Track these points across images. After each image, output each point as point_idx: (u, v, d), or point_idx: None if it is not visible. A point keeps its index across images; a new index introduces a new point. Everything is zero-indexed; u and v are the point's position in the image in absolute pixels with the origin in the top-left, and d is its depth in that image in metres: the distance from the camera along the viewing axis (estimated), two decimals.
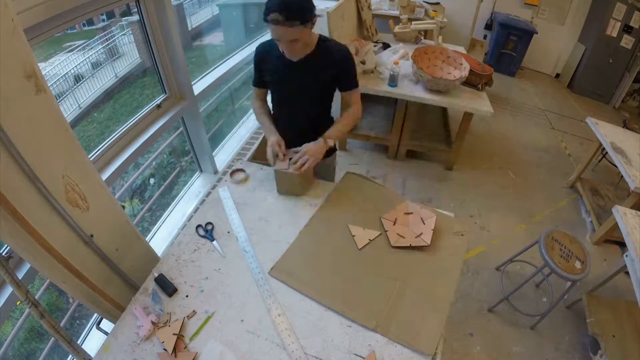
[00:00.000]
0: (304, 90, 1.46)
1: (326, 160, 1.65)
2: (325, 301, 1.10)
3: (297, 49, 1.31)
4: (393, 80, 2.73)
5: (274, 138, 1.45)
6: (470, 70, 2.74)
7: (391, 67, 2.72)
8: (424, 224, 1.30)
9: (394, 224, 1.32)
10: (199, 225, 1.33)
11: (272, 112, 1.62)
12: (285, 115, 1.58)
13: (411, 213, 1.35)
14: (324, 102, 1.55)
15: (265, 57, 1.46)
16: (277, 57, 1.38)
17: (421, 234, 1.27)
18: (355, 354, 0.99)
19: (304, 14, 1.21)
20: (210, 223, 1.34)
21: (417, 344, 1.00)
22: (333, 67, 1.41)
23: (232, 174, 1.57)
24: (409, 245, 1.25)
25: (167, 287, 1.12)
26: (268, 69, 1.46)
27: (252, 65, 1.52)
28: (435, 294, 1.13)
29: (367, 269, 1.20)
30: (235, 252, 1.25)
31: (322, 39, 1.41)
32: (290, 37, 1.24)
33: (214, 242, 1.28)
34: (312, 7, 1.25)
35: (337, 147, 1.73)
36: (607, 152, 2.65)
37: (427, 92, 2.71)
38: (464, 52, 3.45)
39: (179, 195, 2.30)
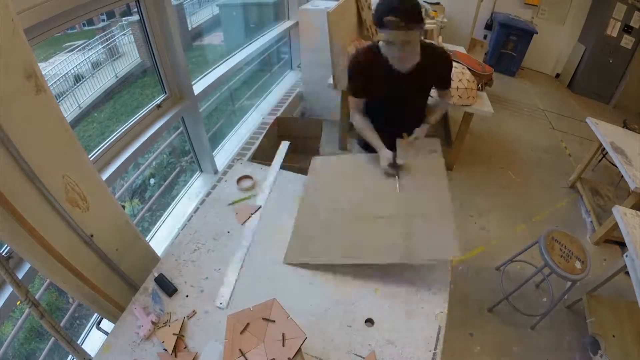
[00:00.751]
0: (410, 100, 1.51)
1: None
2: (350, 259, 1.16)
3: (409, 52, 1.31)
4: None
5: (387, 152, 1.48)
6: (471, 70, 2.74)
7: None
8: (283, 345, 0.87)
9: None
10: None
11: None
12: (384, 122, 1.57)
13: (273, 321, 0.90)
14: (424, 107, 1.62)
15: (369, 66, 1.42)
16: (385, 68, 1.37)
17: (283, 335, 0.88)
18: (355, 354, 0.99)
19: (421, 17, 1.24)
20: None
21: (441, 254, 1.10)
22: (436, 72, 1.48)
23: (238, 180, 1.54)
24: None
25: (167, 287, 1.12)
26: (373, 77, 1.43)
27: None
28: (435, 209, 1.23)
29: (370, 216, 1.27)
30: (234, 252, 1.25)
31: (424, 46, 1.39)
32: (407, 38, 1.24)
33: None
34: (419, 6, 1.27)
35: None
36: (607, 152, 2.65)
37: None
38: (464, 52, 3.45)
39: (179, 195, 2.30)
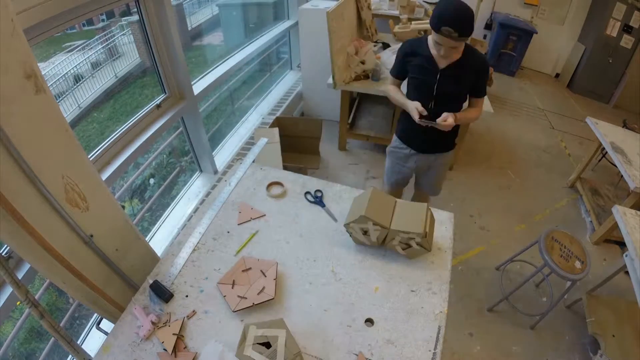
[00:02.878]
0: (442, 93, 1.60)
1: (449, 154, 1.90)
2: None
3: (453, 55, 1.50)
4: (375, 75, 2.74)
5: (414, 103, 1.63)
6: None
7: (374, 62, 2.73)
8: (265, 276, 1.14)
9: (232, 287, 1.12)
10: (307, 192, 1.46)
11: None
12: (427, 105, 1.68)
13: (249, 269, 1.17)
14: (455, 105, 1.67)
15: (414, 53, 1.62)
16: (426, 57, 1.56)
17: (263, 288, 1.11)
18: (356, 354, 0.99)
19: (472, 29, 1.39)
20: (319, 190, 1.47)
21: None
22: (473, 74, 1.56)
23: (268, 187, 1.50)
24: (252, 304, 1.07)
25: (162, 294, 1.10)
26: (414, 65, 1.62)
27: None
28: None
29: None
30: (234, 252, 1.25)
31: (467, 47, 1.54)
32: (454, 45, 1.41)
33: (325, 208, 1.40)
34: (473, 20, 1.40)
35: (454, 146, 1.91)
36: (606, 152, 2.65)
37: None
38: None
39: (179, 195, 2.30)
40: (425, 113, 1.60)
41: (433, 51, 1.54)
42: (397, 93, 1.78)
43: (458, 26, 1.33)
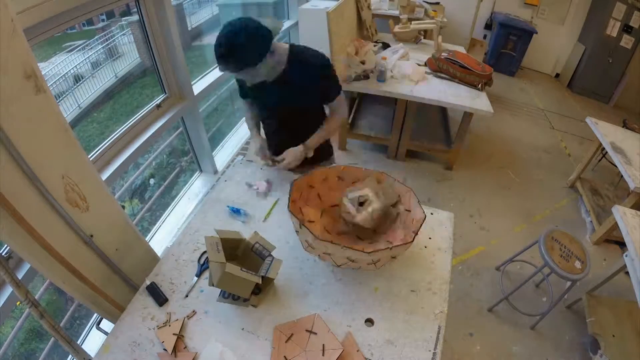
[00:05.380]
0: (281, 107, 1.41)
1: (325, 164, 1.62)
2: None
3: (260, 76, 1.24)
4: (381, 76, 2.74)
5: (259, 140, 1.48)
6: (470, 70, 2.74)
7: (380, 63, 2.73)
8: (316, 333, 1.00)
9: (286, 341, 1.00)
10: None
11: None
12: (268, 126, 1.56)
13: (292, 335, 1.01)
14: (304, 114, 1.45)
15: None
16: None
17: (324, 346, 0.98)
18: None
19: (254, 59, 1.14)
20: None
21: None
22: (308, 81, 1.31)
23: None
24: None
25: (157, 297, 1.10)
26: (244, 84, 1.38)
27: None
28: None
29: None
30: None
31: (293, 52, 1.30)
32: (244, 76, 1.22)
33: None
34: (263, 43, 1.15)
35: (332, 151, 1.70)
36: (606, 152, 2.65)
37: (427, 91, 2.71)
38: (464, 52, 3.45)
39: (179, 195, 2.31)
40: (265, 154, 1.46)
41: None
42: (249, 120, 1.57)
43: (224, 61, 1.12)
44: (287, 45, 1.32)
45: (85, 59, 2.06)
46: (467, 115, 2.78)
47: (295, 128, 1.45)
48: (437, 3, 4.29)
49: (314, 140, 1.44)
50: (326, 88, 1.38)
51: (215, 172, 2.44)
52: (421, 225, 1.09)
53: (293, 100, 1.37)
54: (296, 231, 1.11)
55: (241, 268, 0.99)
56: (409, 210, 1.21)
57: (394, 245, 1.05)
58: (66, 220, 0.97)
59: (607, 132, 2.62)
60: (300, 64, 1.30)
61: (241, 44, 1.10)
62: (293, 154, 1.40)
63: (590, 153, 2.90)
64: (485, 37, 5.35)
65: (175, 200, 2.28)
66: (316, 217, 1.28)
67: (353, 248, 0.99)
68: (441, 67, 2.90)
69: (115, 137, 1.63)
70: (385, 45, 3.26)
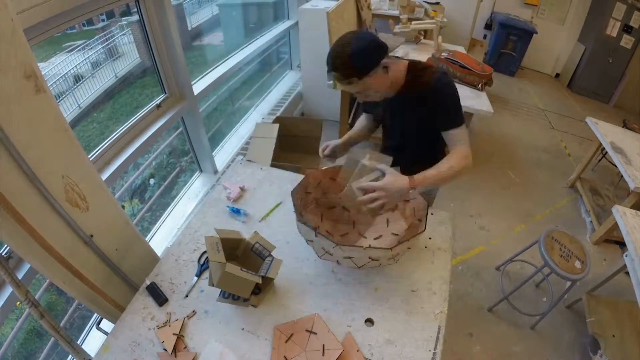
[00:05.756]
0: (398, 127, 1.37)
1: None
2: None
3: (371, 96, 1.20)
4: None
5: (340, 140, 1.47)
6: (470, 70, 2.74)
7: None
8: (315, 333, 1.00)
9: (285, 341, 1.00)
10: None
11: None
12: (383, 143, 1.54)
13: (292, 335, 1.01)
14: (421, 140, 1.33)
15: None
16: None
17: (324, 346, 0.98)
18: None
19: (361, 68, 1.08)
20: None
21: None
22: (424, 102, 1.19)
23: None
24: None
25: (157, 297, 1.10)
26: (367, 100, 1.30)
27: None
28: None
29: None
30: None
31: (412, 69, 1.21)
32: (353, 90, 1.16)
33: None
34: (372, 55, 1.09)
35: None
36: (606, 152, 2.65)
37: None
38: (464, 52, 3.45)
39: (179, 195, 2.30)
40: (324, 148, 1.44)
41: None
42: (355, 126, 1.56)
43: (335, 67, 1.09)
44: (406, 62, 1.24)
45: (85, 59, 2.06)
46: (467, 116, 2.78)
47: (408, 153, 1.33)
48: (437, 3, 4.30)
49: (420, 177, 1.13)
50: (441, 111, 1.20)
51: (215, 172, 2.44)
52: (427, 213, 1.12)
53: (402, 122, 1.31)
54: (309, 241, 1.10)
55: (241, 268, 0.99)
56: (407, 201, 1.24)
57: (411, 236, 1.06)
58: (66, 220, 0.97)
59: (607, 132, 2.62)
60: (415, 81, 1.20)
61: (351, 50, 1.06)
62: (393, 189, 1.08)
63: (590, 153, 2.90)
64: (485, 37, 5.35)
65: (175, 200, 2.27)
66: (317, 222, 1.29)
67: (376, 247, 1.01)
68: (441, 67, 2.90)
69: (115, 137, 1.63)
70: None
